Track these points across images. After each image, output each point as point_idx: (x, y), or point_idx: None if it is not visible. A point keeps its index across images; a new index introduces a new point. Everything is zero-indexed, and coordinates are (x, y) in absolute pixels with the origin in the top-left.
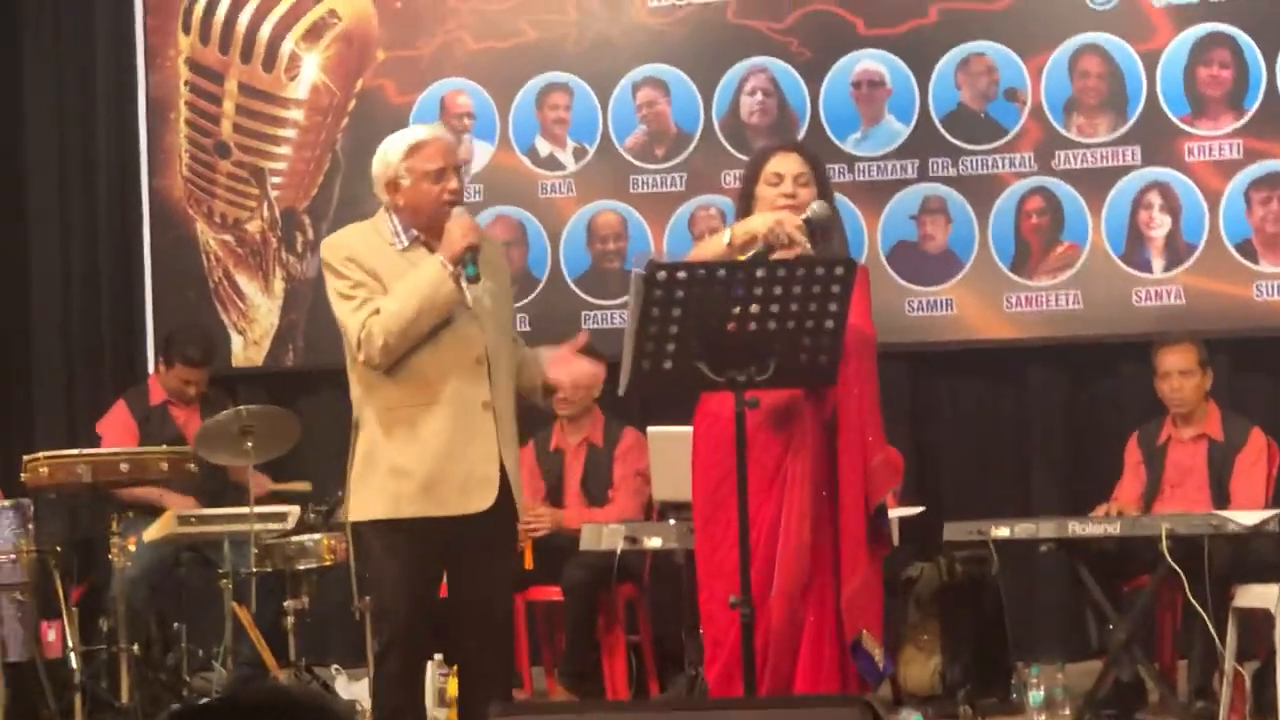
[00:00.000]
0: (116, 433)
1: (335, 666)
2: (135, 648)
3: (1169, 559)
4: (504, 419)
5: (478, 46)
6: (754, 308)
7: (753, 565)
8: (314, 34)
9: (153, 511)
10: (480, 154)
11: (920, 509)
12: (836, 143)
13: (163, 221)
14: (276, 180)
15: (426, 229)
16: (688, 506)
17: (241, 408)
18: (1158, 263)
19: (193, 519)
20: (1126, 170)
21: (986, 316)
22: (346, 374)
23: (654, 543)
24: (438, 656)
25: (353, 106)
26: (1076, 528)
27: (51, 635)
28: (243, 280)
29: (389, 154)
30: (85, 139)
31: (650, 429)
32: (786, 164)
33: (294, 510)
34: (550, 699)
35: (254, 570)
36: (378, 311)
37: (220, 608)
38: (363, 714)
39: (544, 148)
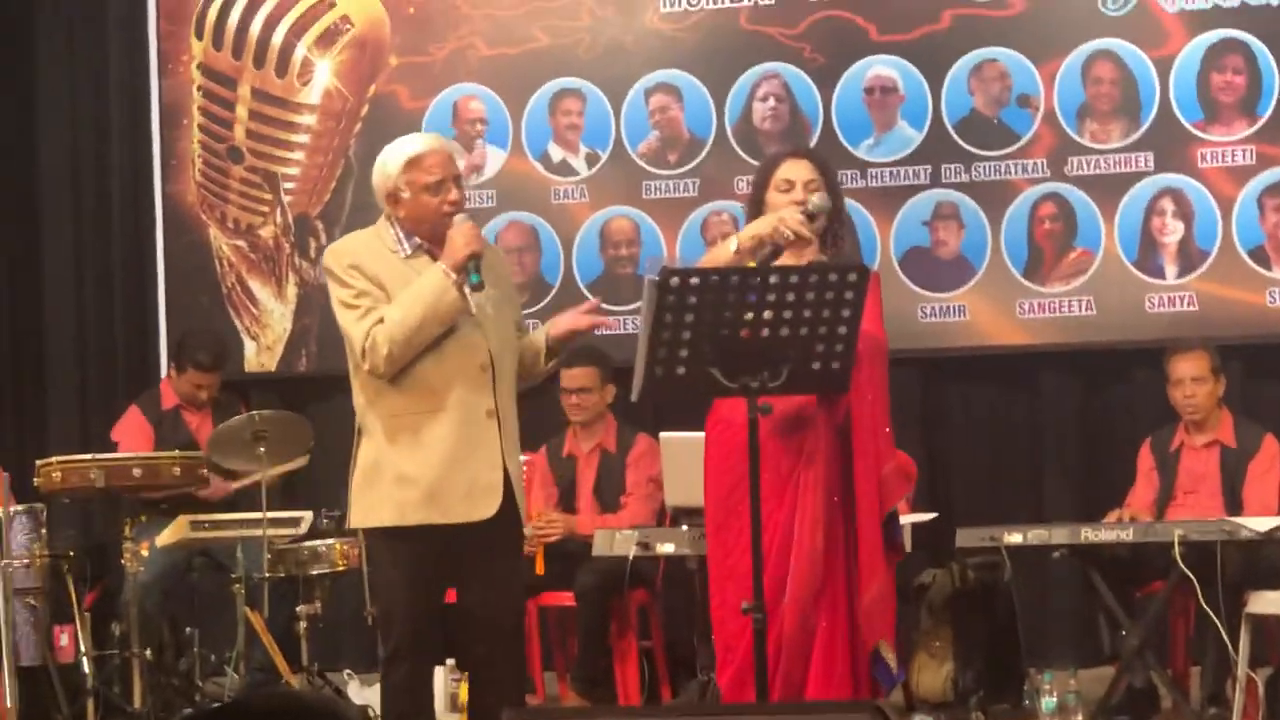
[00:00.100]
0: (132, 437)
1: (348, 671)
2: (148, 652)
3: (1182, 565)
4: (508, 426)
5: (490, 52)
6: (767, 314)
7: (765, 571)
8: (327, 39)
9: (169, 514)
10: (493, 160)
11: (933, 515)
12: (849, 149)
13: (176, 227)
14: (289, 185)
15: (429, 237)
16: (700, 512)
17: (254, 413)
18: (1170, 269)
19: (205, 524)
20: (1139, 176)
21: (999, 322)
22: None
23: (666, 548)
24: (450, 662)
25: (365, 112)
26: (1089, 534)
27: (64, 640)
28: (255, 285)
29: (387, 166)
30: (98, 144)
31: (663, 435)
32: (797, 170)
33: (307, 515)
34: (563, 704)
35: (267, 575)
36: (381, 320)
37: (233, 613)
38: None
39: (557, 153)
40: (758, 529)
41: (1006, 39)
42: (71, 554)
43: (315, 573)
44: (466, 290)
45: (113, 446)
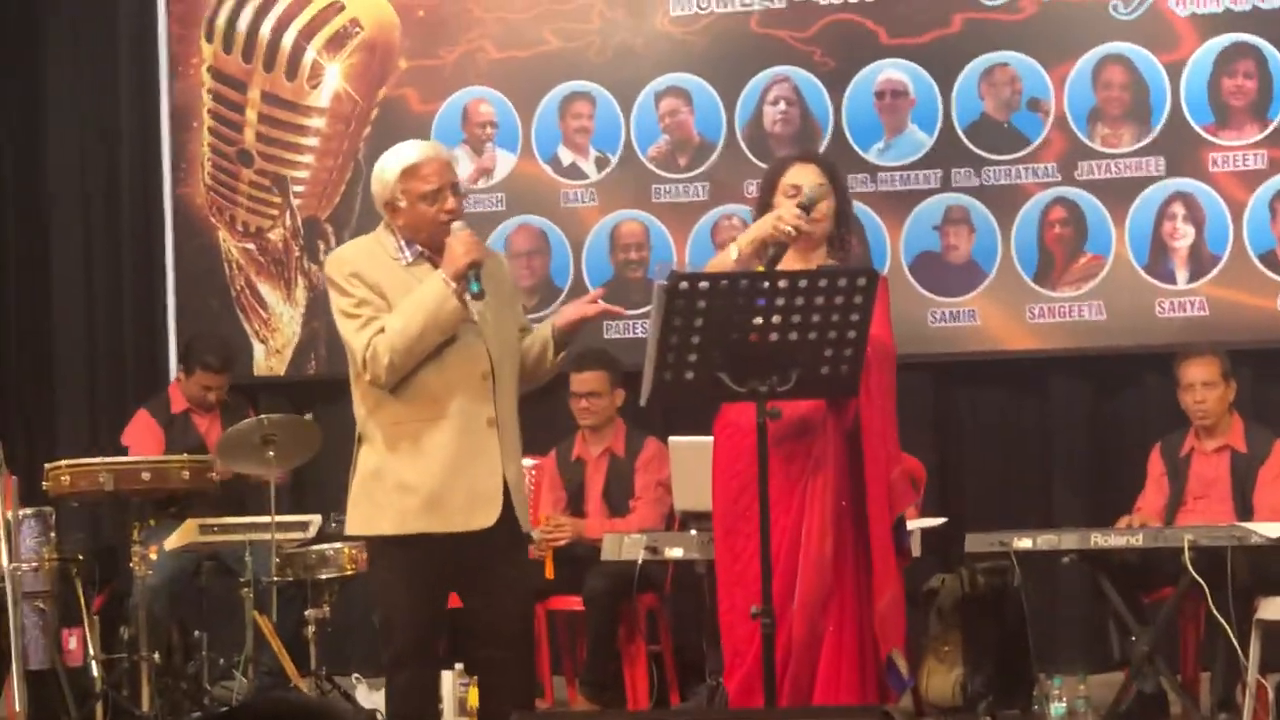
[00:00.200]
0: (142, 441)
1: (356, 675)
2: (156, 656)
3: (1192, 571)
4: (508, 435)
5: (500, 55)
6: (776, 318)
7: (773, 576)
8: (336, 43)
9: (177, 518)
10: (502, 163)
11: (942, 520)
12: (859, 152)
13: (185, 230)
14: (299, 189)
15: (428, 245)
16: (709, 516)
17: (263, 416)
18: (1181, 274)
19: (214, 528)
20: (1150, 181)
21: (1009, 327)
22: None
23: (675, 553)
24: (458, 666)
25: (375, 115)
26: (1099, 539)
27: (73, 643)
28: (265, 289)
29: (384, 175)
30: (108, 147)
31: (672, 439)
32: (804, 175)
33: (315, 519)
34: (571, 708)
35: (275, 579)
36: (382, 330)
37: (241, 616)
38: None
39: (566, 157)
40: (767, 534)
41: (1017, 43)
42: (80, 557)
43: (324, 577)
44: (467, 299)
45: (122, 450)
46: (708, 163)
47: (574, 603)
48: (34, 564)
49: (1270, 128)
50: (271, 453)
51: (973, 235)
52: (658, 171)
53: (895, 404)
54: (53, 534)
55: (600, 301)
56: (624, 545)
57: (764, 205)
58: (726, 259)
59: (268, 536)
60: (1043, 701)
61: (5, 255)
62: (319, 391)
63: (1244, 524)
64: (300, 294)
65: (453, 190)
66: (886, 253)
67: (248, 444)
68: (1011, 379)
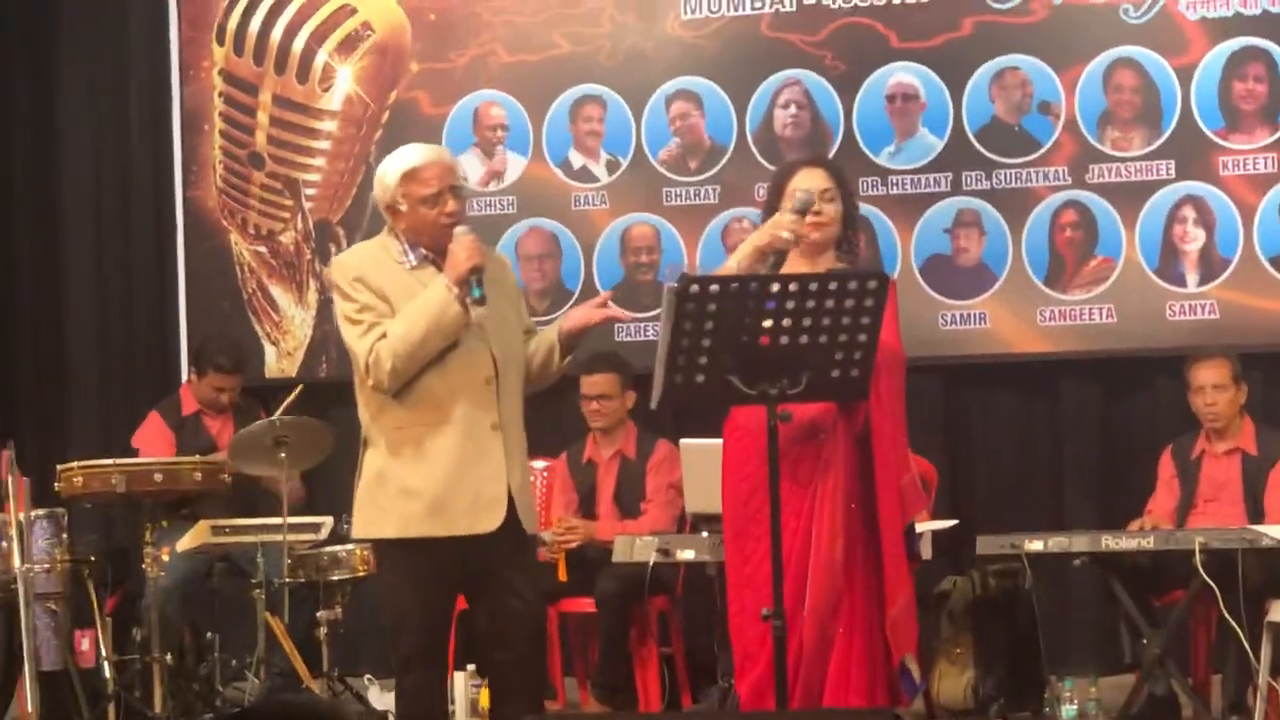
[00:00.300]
0: (153, 444)
1: (368, 676)
2: (168, 657)
3: (1203, 573)
4: (512, 438)
5: (511, 59)
6: (786, 321)
7: (784, 579)
8: (348, 46)
9: (189, 519)
10: (513, 166)
11: (953, 522)
12: (870, 156)
13: (197, 232)
14: (310, 192)
15: (430, 248)
16: (720, 519)
17: (274, 418)
18: (1192, 277)
19: (226, 529)
20: (1161, 184)
21: (1020, 330)
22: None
23: (686, 555)
24: (470, 668)
25: (386, 118)
26: (1110, 542)
27: (85, 645)
28: (276, 291)
29: (386, 178)
30: (120, 150)
31: (683, 441)
32: (811, 179)
33: (327, 521)
34: (583, 710)
35: (287, 580)
36: (385, 336)
37: (253, 618)
38: None
39: (577, 160)
40: (777, 536)
41: (1028, 46)
42: (92, 559)
43: (336, 578)
44: (469, 303)
45: (132, 452)
46: (718, 166)
47: (585, 605)
48: (46, 565)
49: None
50: (283, 454)
51: (983, 238)
52: (668, 175)
53: (905, 408)
54: (65, 535)
55: (611, 304)
56: (635, 547)
57: (771, 209)
58: (726, 272)
59: (280, 538)
60: (1054, 704)
61: (18, 258)
62: (330, 393)
63: (1255, 527)
64: (312, 296)
65: (453, 193)
66: (897, 256)
67: (259, 445)
68: (1022, 382)
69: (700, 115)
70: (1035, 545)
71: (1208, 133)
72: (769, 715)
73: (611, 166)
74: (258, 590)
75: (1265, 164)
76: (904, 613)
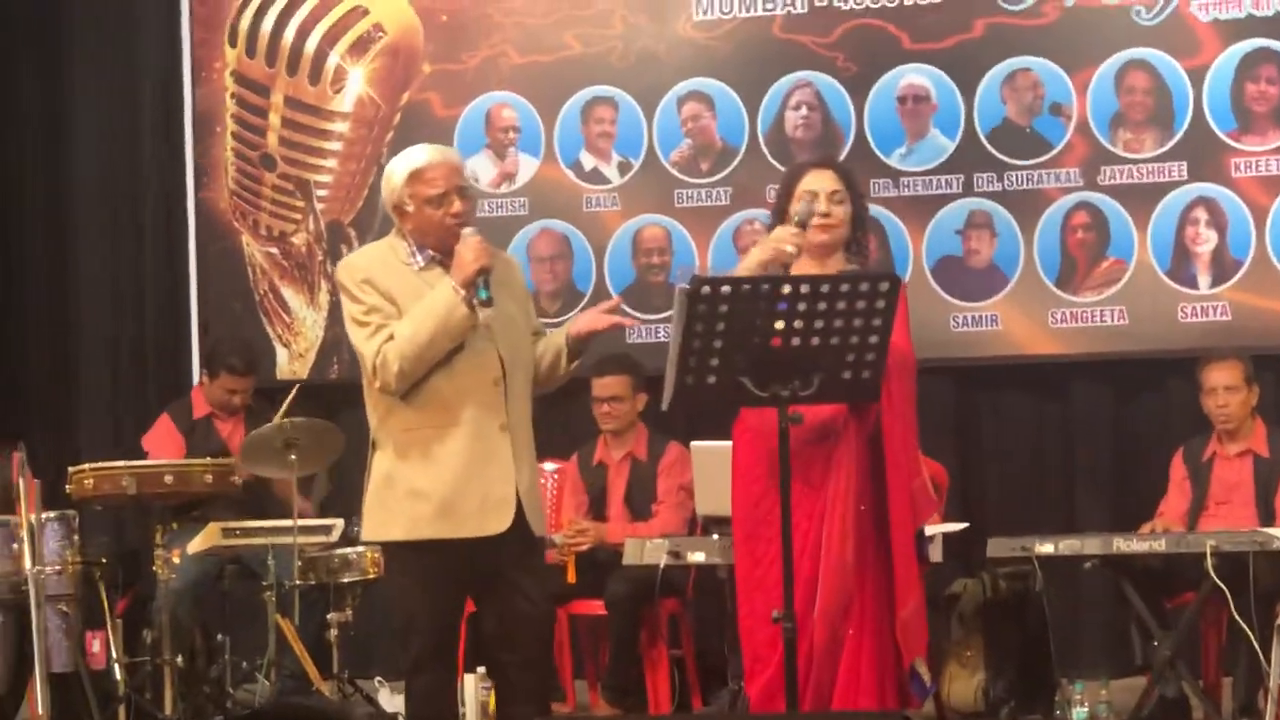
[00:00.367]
0: (162, 446)
1: (378, 679)
2: (179, 659)
3: (1214, 576)
4: (520, 440)
5: (523, 60)
6: (797, 323)
7: (794, 581)
8: (360, 47)
9: (200, 521)
10: (525, 168)
11: (964, 525)
12: (881, 157)
13: (208, 233)
14: (322, 193)
15: (437, 249)
16: (731, 521)
17: (285, 420)
18: (1204, 279)
19: (237, 531)
20: (1173, 186)
21: (1031, 332)
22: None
23: (697, 557)
24: (480, 670)
25: (398, 120)
26: (1121, 544)
27: (96, 646)
28: (288, 293)
29: (392, 179)
30: (132, 151)
31: (694, 444)
32: (820, 181)
33: (338, 523)
34: (593, 713)
35: (297, 583)
36: (392, 338)
37: (264, 620)
38: None
39: (589, 161)
40: (788, 539)
41: (1039, 48)
42: (103, 561)
43: (346, 580)
44: (476, 305)
45: (142, 453)
46: (730, 168)
47: (596, 607)
48: (57, 567)
49: None
50: (294, 456)
51: (995, 240)
52: (680, 176)
53: (916, 411)
54: (76, 537)
55: (624, 308)
56: (646, 550)
57: (780, 211)
58: None
59: (290, 540)
60: (1065, 706)
61: (29, 259)
62: (341, 395)
63: (1266, 529)
64: (323, 298)
65: (460, 194)
66: (909, 257)
67: (270, 447)
68: (1033, 384)
69: (712, 117)
70: (1046, 548)
71: (1220, 134)
72: (779, 717)
73: (623, 168)
74: (268, 592)
75: (1278, 166)
76: (914, 616)
